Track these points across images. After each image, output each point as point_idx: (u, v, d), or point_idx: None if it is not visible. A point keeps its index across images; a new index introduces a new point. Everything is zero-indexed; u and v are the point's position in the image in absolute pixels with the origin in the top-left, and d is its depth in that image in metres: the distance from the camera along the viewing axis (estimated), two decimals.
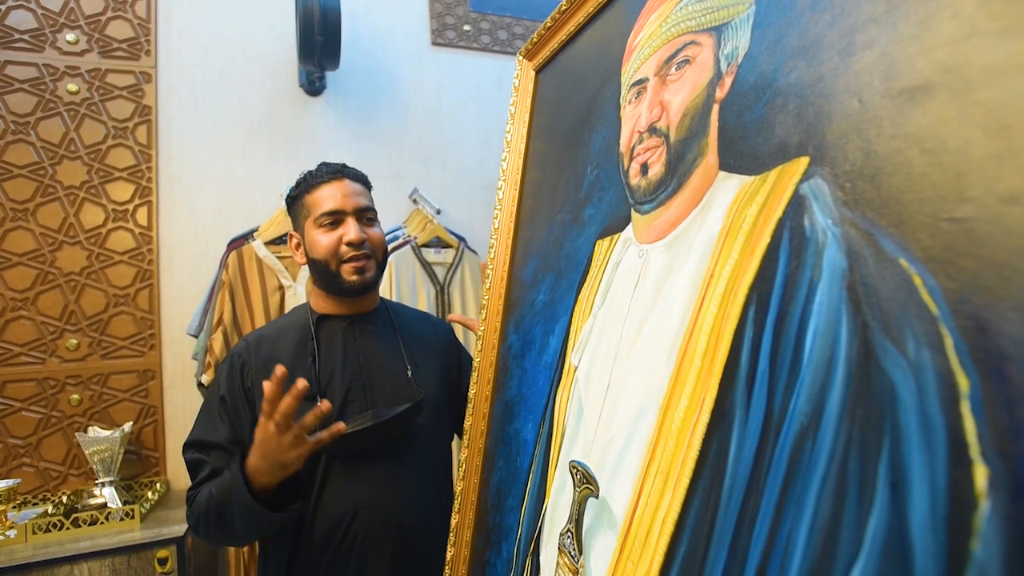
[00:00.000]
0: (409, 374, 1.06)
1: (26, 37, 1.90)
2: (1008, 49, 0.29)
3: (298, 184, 1.09)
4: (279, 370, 0.81)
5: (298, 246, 1.09)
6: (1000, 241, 0.28)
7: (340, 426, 0.88)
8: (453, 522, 0.87)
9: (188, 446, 1.00)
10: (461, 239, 2.18)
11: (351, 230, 1.01)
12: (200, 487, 0.96)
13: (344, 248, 1.01)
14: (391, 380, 1.05)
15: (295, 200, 1.08)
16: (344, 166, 1.08)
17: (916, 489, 0.29)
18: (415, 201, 2.23)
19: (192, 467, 0.99)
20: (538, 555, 0.65)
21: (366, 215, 1.05)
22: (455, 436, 1.17)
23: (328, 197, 1.03)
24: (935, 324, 0.30)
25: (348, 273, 1.02)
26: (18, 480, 1.70)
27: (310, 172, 1.08)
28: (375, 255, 1.05)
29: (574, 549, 0.58)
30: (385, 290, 2.01)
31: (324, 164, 1.08)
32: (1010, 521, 0.25)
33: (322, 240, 1.02)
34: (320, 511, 0.97)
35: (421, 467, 1.04)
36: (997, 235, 0.28)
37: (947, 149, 0.31)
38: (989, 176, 0.29)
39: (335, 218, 1.02)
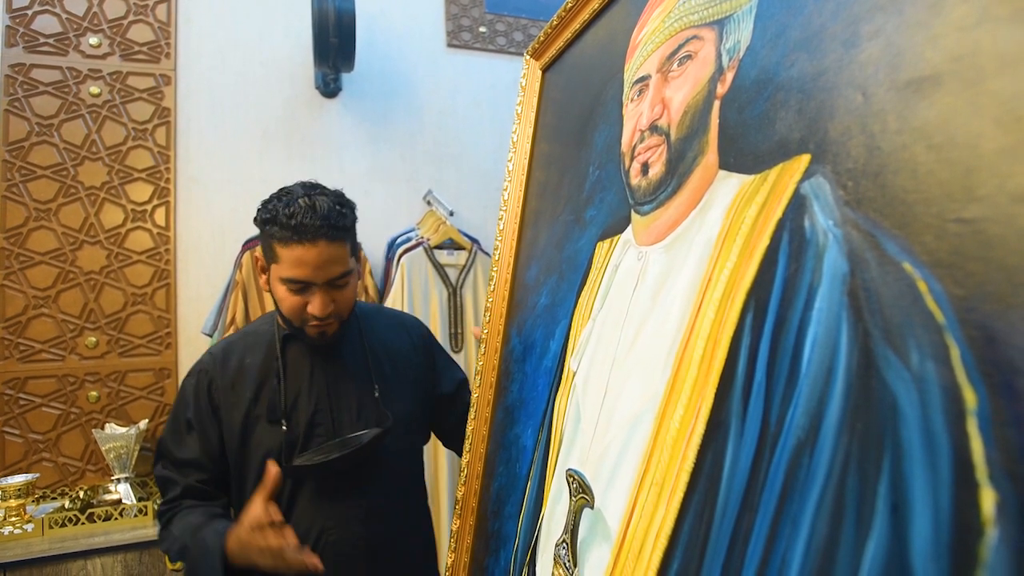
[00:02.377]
0: (376, 395, 1.03)
1: (51, 41, 1.95)
2: (1023, 35, 0.26)
3: (273, 216, 0.91)
4: (272, 471, 0.88)
5: (263, 270, 0.99)
6: (1012, 244, 0.25)
7: (317, 565, 0.84)
8: (453, 527, 0.86)
9: (159, 457, 1.01)
10: (474, 241, 2.17)
11: (316, 304, 0.93)
12: (173, 506, 0.97)
13: (308, 315, 0.95)
14: (358, 403, 1.02)
15: (266, 225, 0.93)
16: (326, 218, 0.91)
17: (918, 512, 0.27)
18: (429, 203, 2.23)
19: (162, 483, 1.00)
20: (535, 565, 0.63)
21: (337, 282, 0.95)
22: (439, 443, 1.15)
23: (299, 263, 0.91)
24: (940, 333, 0.28)
25: (311, 332, 0.97)
26: (36, 475, 1.73)
27: (288, 212, 0.90)
28: (340, 317, 0.99)
29: (569, 560, 0.56)
30: (397, 292, 2.01)
31: (307, 210, 0.90)
32: (1020, 552, 0.23)
33: (286, 300, 0.94)
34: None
35: (389, 486, 1.03)
36: (1008, 237, 0.25)
37: (955, 144, 0.28)
38: (1000, 173, 0.26)
39: (303, 286, 0.93)
